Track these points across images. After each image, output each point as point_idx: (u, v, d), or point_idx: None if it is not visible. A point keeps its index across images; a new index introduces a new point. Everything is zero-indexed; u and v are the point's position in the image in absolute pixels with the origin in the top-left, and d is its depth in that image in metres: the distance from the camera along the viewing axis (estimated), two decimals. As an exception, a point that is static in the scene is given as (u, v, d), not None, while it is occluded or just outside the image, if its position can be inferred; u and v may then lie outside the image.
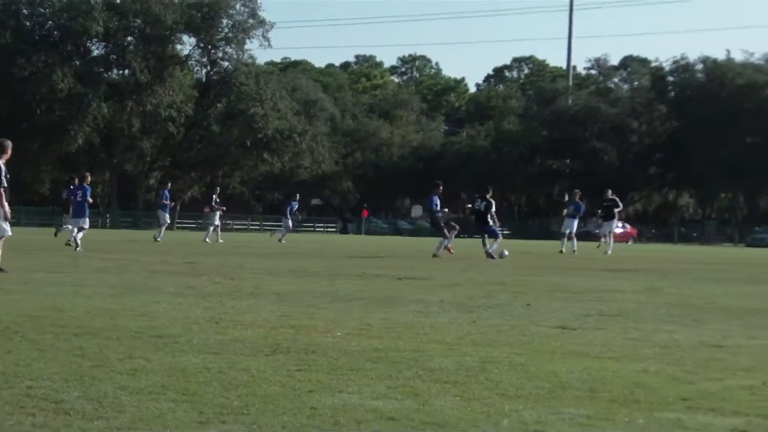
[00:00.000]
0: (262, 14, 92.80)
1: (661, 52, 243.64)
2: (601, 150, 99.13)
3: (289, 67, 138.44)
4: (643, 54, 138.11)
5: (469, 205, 35.42)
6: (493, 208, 33.53)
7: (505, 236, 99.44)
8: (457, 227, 34.31)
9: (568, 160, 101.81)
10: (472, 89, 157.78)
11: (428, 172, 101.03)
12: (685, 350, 9.77)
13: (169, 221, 48.27)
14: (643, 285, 19.64)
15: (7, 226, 19.01)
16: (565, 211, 43.90)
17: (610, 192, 43.40)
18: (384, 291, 16.53)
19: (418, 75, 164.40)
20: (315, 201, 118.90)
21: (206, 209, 47.05)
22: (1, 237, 18.96)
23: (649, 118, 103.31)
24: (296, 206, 49.59)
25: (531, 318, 12.53)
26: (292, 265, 24.62)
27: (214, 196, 46.38)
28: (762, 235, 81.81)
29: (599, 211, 43.62)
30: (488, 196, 33.63)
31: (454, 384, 7.69)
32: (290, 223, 49.46)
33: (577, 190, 45.97)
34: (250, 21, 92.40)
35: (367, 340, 9.99)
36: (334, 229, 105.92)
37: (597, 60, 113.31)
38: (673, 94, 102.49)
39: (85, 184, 33.17)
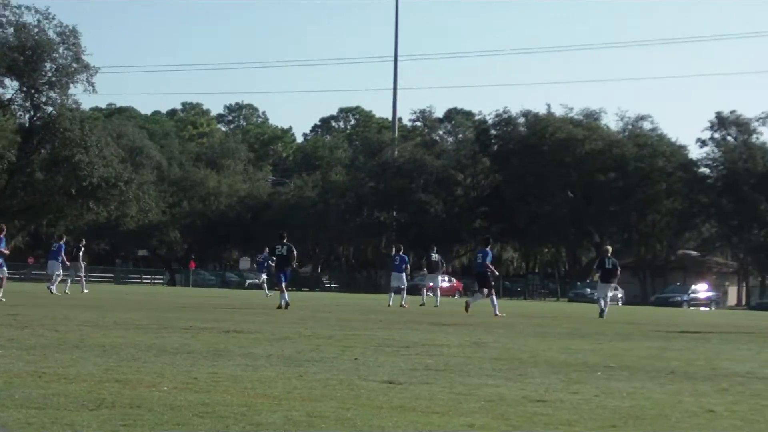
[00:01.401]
0: (86, 58, 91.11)
1: (485, 105, 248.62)
2: (427, 202, 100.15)
3: (114, 113, 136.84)
4: (467, 107, 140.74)
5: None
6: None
7: (332, 289, 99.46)
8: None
9: (394, 212, 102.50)
10: (299, 139, 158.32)
11: (256, 222, 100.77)
12: (509, 404, 9.93)
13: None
14: (469, 339, 19.88)
15: None
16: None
17: (435, 248, 44.71)
18: (211, 344, 16.40)
19: (245, 123, 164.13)
20: (141, 252, 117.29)
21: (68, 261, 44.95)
22: None
23: (473, 171, 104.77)
24: (64, 248, 44.41)
25: (358, 372, 12.58)
26: (118, 317, 24.24)
27: (81, 246, 46.17)
28: (583, 290, 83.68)
29: (424, 263, 44.51)
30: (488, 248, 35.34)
31: (281, 439, 7.69)
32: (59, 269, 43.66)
33: (399, 244, 46.74)
34: (74, 65, 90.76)
35: (194, 394, 9.91)
36: (161, 281, 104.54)
37: (422, 112, 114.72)
38: (496, 147, 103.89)
39: None
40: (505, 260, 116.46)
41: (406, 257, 44.53)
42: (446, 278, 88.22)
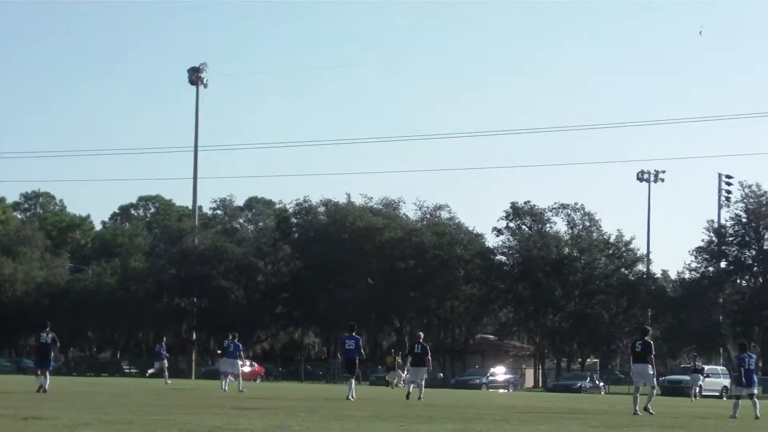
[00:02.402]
0: None
1: (285, 194, 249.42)
2: (228, 288, 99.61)
3: None
4: (267, 195, 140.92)
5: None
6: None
7: (132, 374, 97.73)
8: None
9: (195, 298, 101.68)
10: (98, 226, 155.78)
11: (54, 309, 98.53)
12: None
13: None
14: (272, 423, 19.90)
15: None
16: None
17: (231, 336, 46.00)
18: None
19: (41, 211, 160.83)
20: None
21: None
22: None
23: (274, 258, 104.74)
24: None
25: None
26: None
27: None
28: (384, 374, 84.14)
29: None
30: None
31: None
32: None
33: (234, 332, 48.34)
34: None
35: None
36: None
37: (222, 201, 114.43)
38: (297, 235, 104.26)
39: None
40: (306, 344, 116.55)
41: (239, 344, 46.15)
42: (248, 362, 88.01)
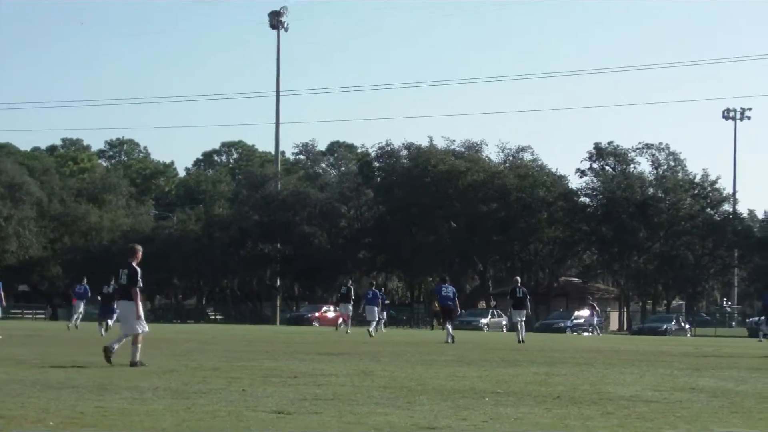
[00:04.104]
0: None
1: (367, 139, 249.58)
2: (311, 234, 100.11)
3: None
4: (349, 140, 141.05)
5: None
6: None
7: (218, 321, 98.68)
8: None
9: (279, 244, 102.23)
10: (182, 173, 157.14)
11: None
12: (398, 432, 9.98)
13: None
14: (357, 368, 19.90)
15: (144, 324, 20.36)
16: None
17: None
18: (96, 378, 16.18)
19: (126, 159, 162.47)
20: (22, 287, 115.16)
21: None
22: (140, 333, 20.03)
23: (357, 203, 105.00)
24: None
25: (247, 403, 12.53)
26: (0, 353, 23.79)
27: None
28: (469, 318, 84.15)
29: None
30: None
31: (172, 472, 7.63)
32: None
33: (372, 281, 52.23)
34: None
35: (81, 428, 9.78)
36: (43, 316, 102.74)
37: (305, 145, 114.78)
38: (379, 179, 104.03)
39: None
40: (390, 289, 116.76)
41: (378, 292, 49.97)
42: (331, 308, 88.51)
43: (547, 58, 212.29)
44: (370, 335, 43.25)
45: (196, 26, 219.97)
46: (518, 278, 43.93)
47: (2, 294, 36.30)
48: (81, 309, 51.98)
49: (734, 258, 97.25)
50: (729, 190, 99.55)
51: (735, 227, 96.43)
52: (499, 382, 16.79)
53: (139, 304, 20.34)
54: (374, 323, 46.52)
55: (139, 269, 20.62)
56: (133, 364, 19.40)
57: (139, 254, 20.90)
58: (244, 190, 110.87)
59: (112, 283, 39.45)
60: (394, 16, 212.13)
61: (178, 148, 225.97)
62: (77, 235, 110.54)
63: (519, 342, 38.15)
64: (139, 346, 19.90)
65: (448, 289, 38.40)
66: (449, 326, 37.79)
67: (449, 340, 36.40)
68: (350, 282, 56.42)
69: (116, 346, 20.15)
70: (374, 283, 52.90)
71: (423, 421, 10.90)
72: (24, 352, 24.24)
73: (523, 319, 40.13)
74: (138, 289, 20.26)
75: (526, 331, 41.23)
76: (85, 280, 42.27)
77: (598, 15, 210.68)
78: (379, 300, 49.06)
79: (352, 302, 50.85)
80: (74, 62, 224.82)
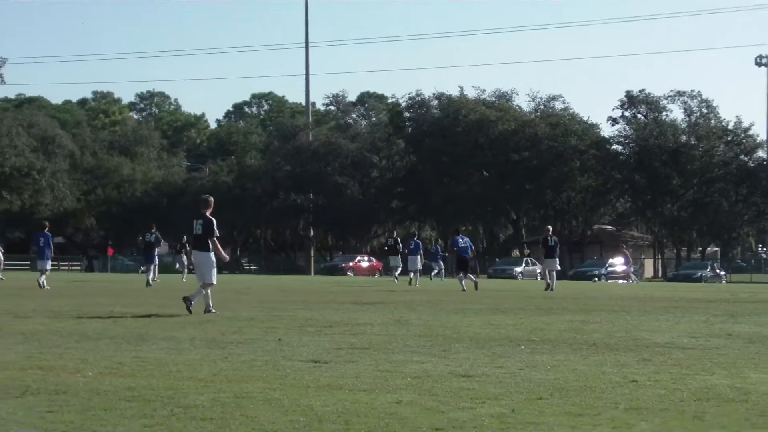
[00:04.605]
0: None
1: (397, 89, 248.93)
2: (343, 184, 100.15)
3: (24, 103, 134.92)
4: (379, 90, 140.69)
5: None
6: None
7: (252, 271, 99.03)
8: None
9: (311, 195, 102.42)
10: (213, 125, 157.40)
11: (172, 208, 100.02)
12: (435, 380, 9.98)
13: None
14: (392, 317, 19.94)
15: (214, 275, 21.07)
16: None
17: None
18: (133, 328, 16.29)
19: (157, 111, 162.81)
20: (57, 239, 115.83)
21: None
22: (214, 283, 20.94)
23: (388, 153, 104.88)
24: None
25: (283, 353, 12.57)
26: (37, 304, 23.95)
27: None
28: (503, 266, 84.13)
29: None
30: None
31: (210, 420, 7.67)
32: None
33: (414, 231, 53.10)
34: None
35: (119, 378, 9.84)
36: (78, 267, 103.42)
37: (335, 96, 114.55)
38: (410, 129, 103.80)
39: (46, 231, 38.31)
40: (423, 239, 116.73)
41: (420, 243, 50.53)
42: (366, 258, 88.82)
43: (578, 6, 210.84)
44: (413, 285, 44.01)
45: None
46: (549, 227, 44.27)
47: (51, 246, 38.33)
48: (156, 260, 52.70)
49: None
50: (763, 137, 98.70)
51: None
52: (534, 330, 16.80)
53: (221, 251, 21.06)
54: (416, 273, 46.92)
55: (213, 219, 21.08)
56: (207, 311, 20.40)
57: (212, 205, 21.44)
58: (275, 141, 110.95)
59: (153, 230, 43.09)
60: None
61: (208, 100, 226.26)
62: (110, 187, 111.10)
63: (547, 289, 38.71)
64: (209, 293, 20.85)
65: (465, 241, 39.62)
66: (471, 275, 38.91)
67: (466, 287, 37.37)
68: (396, 234, 58.51)
69: (197, 299, 20.70)
70: (416, 233, 53.84)
71: (459, 369, 10.91)
72: (60, 304, 24.40)
73: (556, 268, 40.87)
74: (216, 238, 20.79)
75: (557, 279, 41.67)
76: (155, 228, 42.13)
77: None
78: (421, 250, 49.74)
79: (399, 254, 52.08)
80: (104, 15, 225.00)
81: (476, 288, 37.56)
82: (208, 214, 21.16)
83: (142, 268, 49.18)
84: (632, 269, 73.89)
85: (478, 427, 7.53)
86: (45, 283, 36.14)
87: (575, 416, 8.04)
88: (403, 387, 9.50)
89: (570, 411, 8.27)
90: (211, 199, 21.67)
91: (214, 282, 20.91)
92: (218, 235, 20.92)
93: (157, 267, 43.23)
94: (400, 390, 9.29)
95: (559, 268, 41.50)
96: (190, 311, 20.04)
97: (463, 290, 36.71)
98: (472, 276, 38.81)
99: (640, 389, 9.56)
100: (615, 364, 11.68)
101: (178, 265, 55.55)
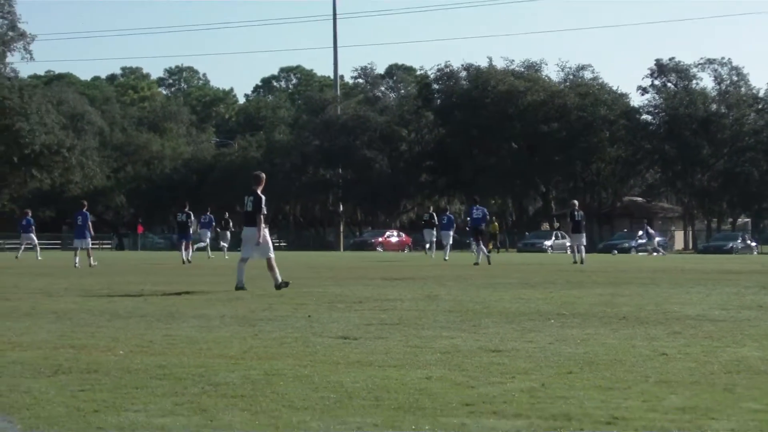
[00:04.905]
0: (22, 26, 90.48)
1: (426, 61, 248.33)
2: (372, 158, 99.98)
3: (53, 80, 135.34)
4: (408, 62, 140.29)
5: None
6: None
7: (281, 247, 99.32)
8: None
9: (340, 169, 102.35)
10: (241, 100, 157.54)
11: (201, 184, 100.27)
12: (465, 355, 9.99)
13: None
14: (422, 293, 19.95)
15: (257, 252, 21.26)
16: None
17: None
18: (164, 307, 16.36)
19: (186, 86, 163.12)
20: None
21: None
22: (271, 256, 21.07)
23: (417, 126, 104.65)
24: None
25: (313, 329, 12.60)
26: (68, 283, 24.08)
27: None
28: (532, 240, 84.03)
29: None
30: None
31: (240, 398, 7.70)
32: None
33: (447, 206, 53.58)
34: (10, 33, 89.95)
35: (150, 357, 9.89)
36: (109, 246, 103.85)
37: (363, 69, 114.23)
38: (439, 101, 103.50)
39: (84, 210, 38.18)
40: (453, 212, 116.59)
41: (452, 217, 50.83)
42: (394, 233, 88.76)
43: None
44: (444, 259, 43.93)
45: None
46: (575, 201, 44.56)
47: (90, 224, 38.64)
48: (207, 239, 54.27)
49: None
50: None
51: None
52: (564, 304, 16.77)
53: (263, 228, 21.03)
54: (446, 247, 46.84)
55: (263, 196, 21.17)
56: (278, 286, 20.42)
57: (263, 181, 21.48)
58: (304, 115, 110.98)
59: (186, 209, 43.88)
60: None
61: (237, 75, 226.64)
62: (140, 164, 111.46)
63: (575, 263, 38.88)
64: (275, 266, 20.86)
65: (479, 210, 39.75)
66: (483, 247, 38.92)
67: (480, 260, 37.44)
68: (431, 209, 59.73)
69: (275, 274, 20.78)
70: (449, 208, 54.17)
71: (489, 344, 10.91)
72: (91, 282, 24.53)
73: (583, 242, 40.94)
74: (262, 216, 20.86)
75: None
76: (187, 206, 42.89)
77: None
78: (454, 225, 49.77)
79: (435, 228, 51.78)
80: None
81: (489, 262, 37.52)
82: (259, 191, 21.24)
83: (201, 244, 52.48)
84: (657, 241, 73.32)
85: (508, 402, 7.54)
86: (93, 261, 36.71)
87: (605, 390, 8.03)
88: (433, 362, 9.52)
89: (600, 385, 8.26)
90: (263, 175, 21.70)
91: (272, 255, 21.02)
92: (265, 213, 20.98)
93: (191, 245, 43.71)
94: (430, 365, 9.31)
95: (584, 243, 41.37)
96: (287, 285, 20.47)
97: (476, 263, 36.73)
98: (483, 248, 38.77)
99: (671, 362, 9.54)
100: (645, 337, 11.65)
101: (222, 242, 56.12)
